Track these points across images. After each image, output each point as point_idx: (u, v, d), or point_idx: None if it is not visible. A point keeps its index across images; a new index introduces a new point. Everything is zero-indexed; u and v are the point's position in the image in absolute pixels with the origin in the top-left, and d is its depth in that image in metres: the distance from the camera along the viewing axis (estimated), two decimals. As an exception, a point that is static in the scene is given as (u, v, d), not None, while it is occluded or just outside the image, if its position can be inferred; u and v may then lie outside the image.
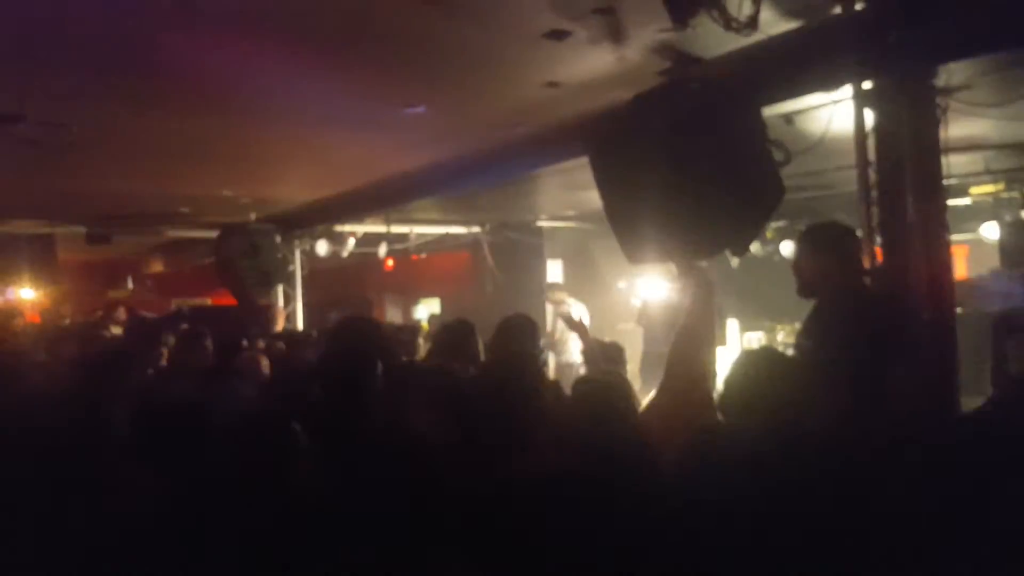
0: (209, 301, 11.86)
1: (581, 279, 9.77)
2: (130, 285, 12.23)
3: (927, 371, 3.17)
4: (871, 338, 2.75)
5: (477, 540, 1.67)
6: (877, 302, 3.16)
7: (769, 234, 8.29)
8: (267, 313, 8.28)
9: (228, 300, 9.54)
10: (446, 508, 1.80)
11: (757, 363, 2.23)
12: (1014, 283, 6.75)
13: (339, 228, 9.19)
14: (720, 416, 2.29)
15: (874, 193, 3.60)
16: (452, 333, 3.76)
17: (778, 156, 3.24)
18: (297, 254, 9.48)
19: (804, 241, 3.20)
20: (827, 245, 3.07)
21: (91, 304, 10.00)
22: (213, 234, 9.09)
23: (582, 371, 4.70)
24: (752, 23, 3.10)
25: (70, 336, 5.93)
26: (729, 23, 3.07)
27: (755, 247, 7.90)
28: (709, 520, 1.81)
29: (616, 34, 3.70)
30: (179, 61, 3.94)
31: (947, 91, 3.82)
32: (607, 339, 4.41)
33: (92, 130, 5.01)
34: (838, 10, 3.50)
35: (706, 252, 3.20)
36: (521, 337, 3.53)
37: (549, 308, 8.68)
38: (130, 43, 3.66)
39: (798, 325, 3.29)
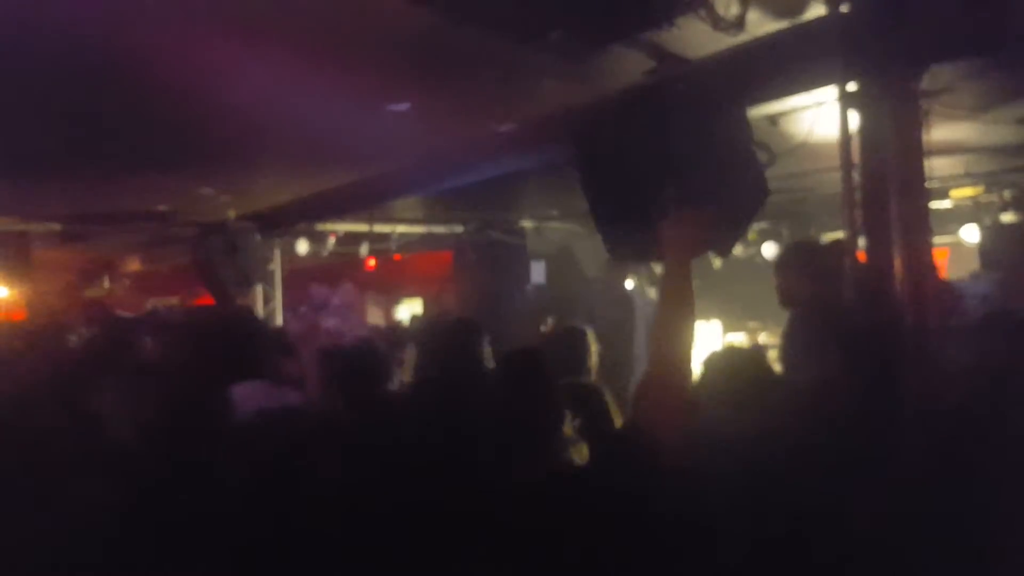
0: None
1: (564, 280, 9.75)
2: (107, 284, 12.04)
3: (907, 371, 3.18)
4: (839, 350, 2.78)
5: None
6: (850, 315, 3.21)
7: (752, 236, 8.31)
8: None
9: (206, 300, 9.43)
10: None
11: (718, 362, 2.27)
12: (993, 286, 6.80)
13: (320, 227, 9.11)
14: None
15: (858, 195, 3.61)
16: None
17: (763, 157, 3.25)
18: (277, 253, 9.39)
19: (779, 263, 3.32)
20: (800, 265, 3.16)
21: (66, 303, 9.84)
22: (192, 232, 8.97)
23: None
24: (739, 23, 3.10)
25: (49, 336, 5.80)
26: (717, 22, 3.07)
27: (737, 248, 7.92)
28: None
29: (601, 34, 3.68)
30: (157, 57, 3.87)
31: (929, 94, 3.83)
32: None
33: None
34: (823, 11, 3.50)
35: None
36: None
37: None
38: (107, 39, 3.59)
39: (779, 327, 3.37)
